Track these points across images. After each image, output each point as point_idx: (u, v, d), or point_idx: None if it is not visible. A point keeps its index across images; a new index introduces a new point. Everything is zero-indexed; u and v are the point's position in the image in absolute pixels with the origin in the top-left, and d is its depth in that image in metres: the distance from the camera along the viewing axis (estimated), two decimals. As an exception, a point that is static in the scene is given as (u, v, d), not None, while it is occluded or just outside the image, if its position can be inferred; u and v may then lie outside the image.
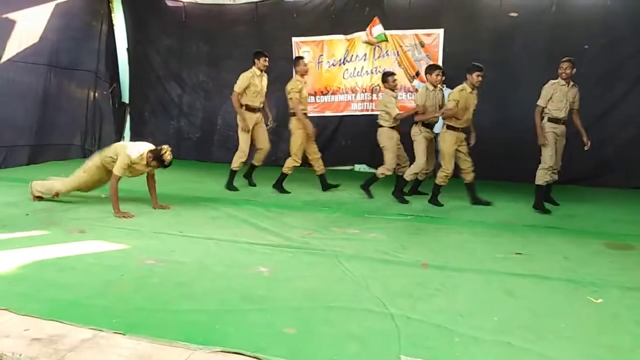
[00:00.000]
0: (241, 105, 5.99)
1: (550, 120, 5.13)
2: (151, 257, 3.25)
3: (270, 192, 5.84)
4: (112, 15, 8.97)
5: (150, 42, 9.02)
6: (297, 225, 4.32)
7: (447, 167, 5.33)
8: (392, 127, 5.58)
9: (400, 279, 3.05)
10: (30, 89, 7.40)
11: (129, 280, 2.87)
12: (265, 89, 6.16)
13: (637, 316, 2.59)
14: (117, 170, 4.47)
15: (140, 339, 2.15)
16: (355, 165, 8.13)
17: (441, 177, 5.37)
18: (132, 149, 4.58)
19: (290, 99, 5.90)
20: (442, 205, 5.35)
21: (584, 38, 6.87)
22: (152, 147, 4.74)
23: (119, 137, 9.29)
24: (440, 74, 5.46)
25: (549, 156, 5.09)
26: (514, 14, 7.13)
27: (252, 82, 5.90)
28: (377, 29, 7.55)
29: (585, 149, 5.29)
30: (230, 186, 6.02)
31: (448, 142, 5.30)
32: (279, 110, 8.57)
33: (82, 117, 8.46)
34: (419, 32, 7.55)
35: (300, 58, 6.17)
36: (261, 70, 6.00)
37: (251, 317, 2.43)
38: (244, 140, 6.05)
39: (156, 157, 4.57)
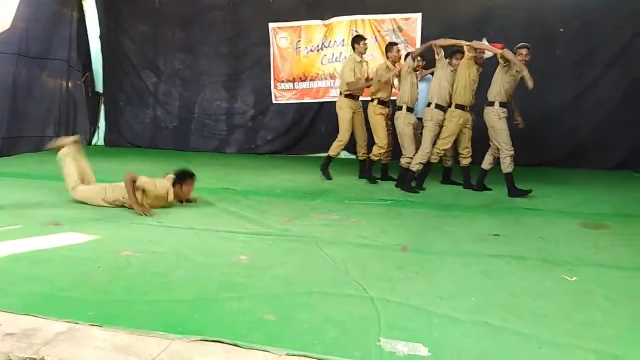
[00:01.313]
0: (341, 94, 5.83)
1: (502, 105, 5.07)
2: (128, 248, 3.20)
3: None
4: (83, 2, 8.73)
5: (123, 29, 8.82)
6: (277, 213, 4.30)
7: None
8: (410, 110, 5.52)
9: (380, 263, 3.07)
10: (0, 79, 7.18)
11: (105, 271, 2.82)
12: (365, 76, 5.90)
13: (610, 293, 2.65)
14: (141, 180, 4.15)
15: (117, 331, 2.12)
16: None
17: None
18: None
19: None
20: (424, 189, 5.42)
21: (559, 21, 6.95)
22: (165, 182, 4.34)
23: (94, 127, 9.12)
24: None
25: (509, 141, 5.02)
26: (491, -2, 7.16)
27: (355, 68, 5.70)
28: None
29: (520, 127, 5.34)
30: (324, 170, 5.94)
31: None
32: (256, 97, 8.53)
33: (55, 108, 8.25)
34: (397, 16, 7.55)
35: (394, 44, 5.88)
36: (362, 56, 5.80)
37: (231, 305, 2.41)
38: (345, 129, 5.82)
39: (179, 178, 4.31)
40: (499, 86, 5.05)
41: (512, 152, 5.02)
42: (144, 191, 4.18)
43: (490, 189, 5.39)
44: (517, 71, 4.96)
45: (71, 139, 4.65)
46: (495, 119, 5.05)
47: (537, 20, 6.95)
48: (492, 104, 5.10)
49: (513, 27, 6.98)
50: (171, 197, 4.28)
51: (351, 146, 6.41)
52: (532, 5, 7.01)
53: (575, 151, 7.12)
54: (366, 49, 5.82)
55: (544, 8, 6.99)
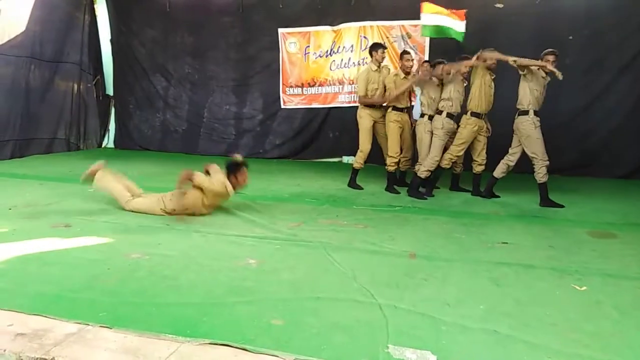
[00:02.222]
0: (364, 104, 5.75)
1: (535, 113, 5.02)
2: (137, 251, 3.22)
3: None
4: (95, 5, 8.84)
5: (134, 33, 8.91)
6: (285, 217, 4.31)
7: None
8: (431, 118, 5.47)
9: (387, 269, 3.07)
10: (13, 82, 7.27)
11: (114, 273, 2.84)
12: (384, 84, 5.71)
13: (619, 303, 2.64)
14: (198, 177, 4.04)
15: (127, 333, 2.14)
16: (344, 157, 8.15)
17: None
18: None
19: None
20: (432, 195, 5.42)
21: (568, 29, 6.94)
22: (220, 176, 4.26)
23: (104, 130, 9.20)
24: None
25: (544, 150, 4.98)
26: (499, 5, 7.17)
27: (370, 78, 5.63)
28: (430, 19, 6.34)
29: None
30: (352, 184, 5.82)
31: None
32: (265, 102, 8.58)
33: (67, 111, 8.33)
34: (406, 23, 7.56)
35: (406, 53, 5.79)
36: (379, 65, 5.69)
37: (239, 309, 2.42)
38: (364, 139, 5.75)
39: (231, 169, 4.23)
40: (529, 94, 4.99)
41: (548, 162, 4.98)
42: (202, 191, 4.10)
43: (498, 196, 5.37)
44: (542, 77, 4.96)
45: (97, 164, 4.47)
46: (531, 127, 4.98)
47: (546, 28, 6.94)
48: (525, 112, 5.02)
49: (522, 34, 6.97)
50: (230, 188, 4.17)
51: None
52: (541, 13, 7.01)
53: (585, 159, 7.09)
54: (384, 58, 5.70)
55: (553, 15, 6.98)
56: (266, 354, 1.99)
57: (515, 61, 4.91)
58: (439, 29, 5.85)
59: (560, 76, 4.77)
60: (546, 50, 4.97)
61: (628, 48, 6.81)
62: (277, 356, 1.97)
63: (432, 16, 5.77)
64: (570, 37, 6.94)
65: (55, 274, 2.81)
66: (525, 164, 5.24)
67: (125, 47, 8.97)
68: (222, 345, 2.05)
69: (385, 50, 5.87)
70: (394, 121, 5.59)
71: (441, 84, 5.49)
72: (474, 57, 5.18)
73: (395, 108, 5.60)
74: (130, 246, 3.33)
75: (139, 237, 3.59)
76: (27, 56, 7.42)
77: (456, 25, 5.75)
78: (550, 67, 4.82)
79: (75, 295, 2.53)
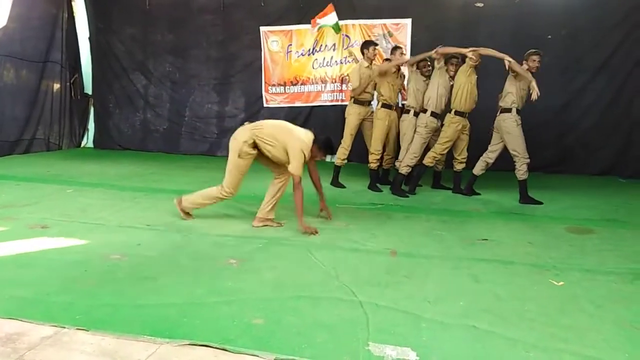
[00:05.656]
0: (351, 98, 5.75)
1: (518, 111, 5.09)
2: (116, 252, 3.17)
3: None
4: (73, 3, 8.66)
5: (112, 31, 8.75)
6: (267, 216, 4.29)
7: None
8: (416, 114, 5.49)
9: (369, 267, 3.08)
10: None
11: (93, 275, 2.79)
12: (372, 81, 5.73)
13: (595, 297, 2.69)
14: (296, 170, 3.75)
15: (104, 335, 2.11)
16: (327, 155, 8.12)
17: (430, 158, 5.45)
18: (299, 138, 3.83)
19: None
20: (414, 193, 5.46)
21: (547, 29, 7.04)
22: (308, 133, 3.99)
23: (83, 129, 9.04)
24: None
25: (525, 148, 5.05)
26: (479, 5, 7.23)
27: (362, 74, 5.62)
28: (332, 17, 7.28)
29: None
30: (335, 183, 5.79)
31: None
32: (247, 100, 8.52)
33: (46, 110, 8.14)
34: (387, 21, 7.59)
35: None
36: (371, 62, 5.67)
37: (219, 309, 2.40)
38: (348, 134, 5.77)
39: (325, 146, 3.94)
40: (516, 93, 5.05)
41: (528, 160, 5.06)
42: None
43: (479, 194, 5.43)
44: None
45: None
46: (514, 125, 5.03)
47: (526, 27, 7.02)
48: (508, 110, 5.07)
49: (502, 33, 7.03)
50: (307, 153, 3.86)
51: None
52: (521, 12, 7.09)
53: (562, 157, 7.20)
54: (375, 55, 5.73)
55: (532, 15, 7.07)
56: (246, 354, 1.97)
57: (509, 62, 4.94)
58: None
59: (535, 96, 4.87)
60: (530, 51, 5.04)
61: (604, 47, 6.93)
62: (258, 356, 1.96)
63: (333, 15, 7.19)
64: (549, 37, 7.05)
65: (31, 277, 2.75)
66: (504, 161, 5.31)
67: (103, 45, 8.81)
68: (202, 345, 2.03)
69: (377, 48, 5.90)
70: (382, 119, 5.61)
71: (427, 79, 5.52)
72: (469, 49, 5.17)
73: (384, 105, 5.62)
74: (109, 247, 3.28)
75: (118, 237, 3.53)
76: (4, 55, 7.24)
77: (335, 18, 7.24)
78: (533, 85, 4.86)
79: (52, 298, 2.48)
